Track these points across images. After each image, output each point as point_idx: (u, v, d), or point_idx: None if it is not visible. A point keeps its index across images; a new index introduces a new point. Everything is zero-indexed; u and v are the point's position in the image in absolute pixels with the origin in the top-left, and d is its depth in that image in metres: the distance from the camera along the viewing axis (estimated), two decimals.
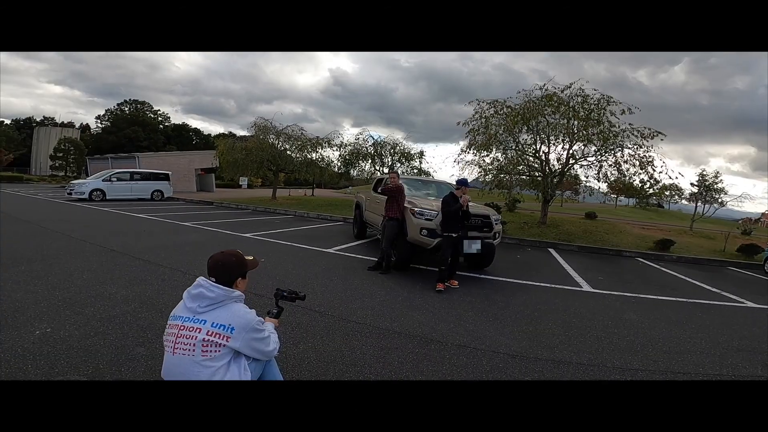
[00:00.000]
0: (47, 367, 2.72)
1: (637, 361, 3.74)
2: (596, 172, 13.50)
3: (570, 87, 12.95)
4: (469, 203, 6.00)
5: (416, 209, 6.46)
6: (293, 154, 22.21)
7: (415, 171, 22.01)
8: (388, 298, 5.03)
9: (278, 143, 21.81)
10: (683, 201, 25.19)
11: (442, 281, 5.64)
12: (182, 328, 1.89)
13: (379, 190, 8.21)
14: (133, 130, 61.22)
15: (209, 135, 74.79)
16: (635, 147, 12.63)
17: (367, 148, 22.58)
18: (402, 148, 22.49)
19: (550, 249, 11.25)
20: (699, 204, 23.53)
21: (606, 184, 14.37)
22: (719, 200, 22.99)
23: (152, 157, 30.84)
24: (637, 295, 6.43)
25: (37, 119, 66.69)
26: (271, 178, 22.76)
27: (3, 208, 11.91)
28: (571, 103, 12.75)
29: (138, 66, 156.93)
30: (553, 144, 13.89)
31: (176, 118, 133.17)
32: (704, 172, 23.30)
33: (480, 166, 14.63)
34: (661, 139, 12.73)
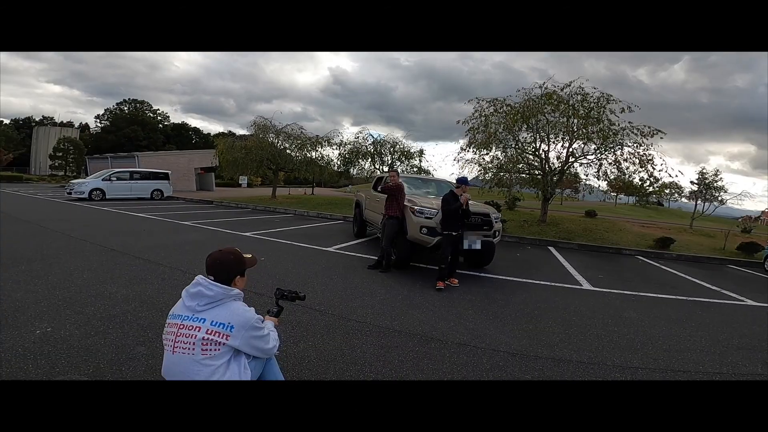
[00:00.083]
0: (48, 366, 2.73)
1: (637, 359, 3.75)
2: (596, 170, 13.52)
3: (570, 85, 12.93)
4: (469, 202, 6.01)
5: (416, 208, 6.46)
6: (293, 153, 22.17)
7: (415, 169, 21.97)
8: (388, 297, 5.03)
9: (278, 142, 21.78)
10: (683, 199, 25.17)
11: (442, 279, 5.64)
12: (182, 326, 1.89)
13: (379, 189, 8.21)
14: (133, 129, 61.13)
15: (209, 134, 74.86)
16: (635, 145, 12.63)
17: (366, 146, 22.54)
18: (402, 146, 22.47)
19: (550, 247, 11.25)
20: (699, 202, 23.50)
21: (606, 182, 14.37)
22: (719, 198, 22.96)
23: (152, 157, 30.77)
24: (637, 293, 6.43)
25: (37, 119, 66.69)
26: (271, 177, 22.73)
27: (3, 208, 11.91)
28: (570, 102, 12.73)
29: (138, 65, 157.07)
30: (553, 142, 13.88)
31: (176, 118, 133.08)
32: (704, 170, 23.23)
33: (480, 165, 14.64)
34: (661, 138, 12.73)
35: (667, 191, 15.55)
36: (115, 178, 18.97)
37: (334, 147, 22.59)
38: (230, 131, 71.52)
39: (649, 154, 12.55)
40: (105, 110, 70.67)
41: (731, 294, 7.06)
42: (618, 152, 12.94)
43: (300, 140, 21.71)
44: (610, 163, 13.15)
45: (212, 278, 1.99)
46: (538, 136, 13.89)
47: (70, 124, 66.42)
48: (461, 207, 5.77)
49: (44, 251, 6.13)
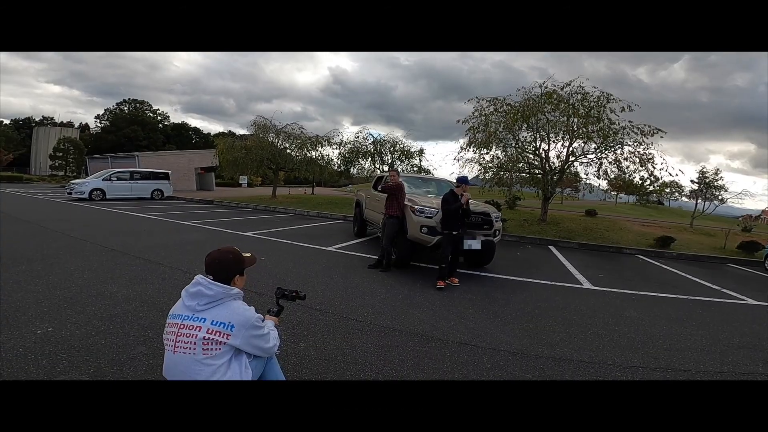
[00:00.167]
0: (49, 366, 2.73)
1: (637, 358, 3.75)
2: (596, 169, 13.49)
3: (570, 84, 12.92)
4: (470, 201, 6.00)
5: (416, 207, 6.46)
6: (293, 153, 22.17)
7: (415, 169, 21.97)
8: (388, 296, 5.03)
9: (278, 142, 21.78)
10: (683, 198, 25.17)
11: (442, 279, 5.64)
12: (182, 326, 1.89)
13: (379, 188, 8.21)
14: (133, 129, 61.15)
15: (209, 134, 74.90)
16: (635, 144, 12.62)
17: (366, 146, 22.53)
18: (402, 146, 22.45)
19: (550, 246, 11.25)
20: (699, 201, 23.51)
21: (606, 181, 14.35)
22: (719, 197, 22.96)
23: (152, 157, 30.77)
24: (637, 292, 6.43)
25: (37, 119, 66.73)
26: (271, 177, 22.73)
27: (3, 208, 11.91)
28: (570, 101, 12.72)
29: (137, 65, 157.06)
30: (553, 141, 13.87)
31: (176, 118, 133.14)
32: (704, 169, 23.26)
33: (480, 164, 14.63)
34: (661, 137, 12.72)
35: (667, 190, 15.53)
36: (115, 178, 18.97)
37: (334, 146, 22.62)
38: (230, 131, 71.66)
39: (650, 153, 12.55)
40: (105, 110, 70.81)
41: (732, 293, 7.06)
42: (618, 151, 12.94)
43: (300, 140, 21.71)
44: (610, 162, 13.15)
45: (211, 278, 1.99)
46: (538, 136, 13.88)
47: (70, 124, 66.44)
48: (461, 207, 5.76)
49: (45, 251, 6.13)
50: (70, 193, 17.58)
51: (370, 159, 22.49)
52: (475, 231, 6.54)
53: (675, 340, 4.33)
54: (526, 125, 13.44)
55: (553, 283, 6.58)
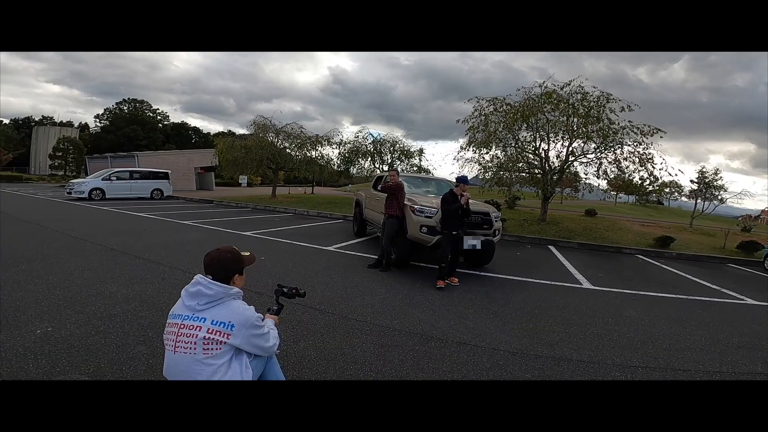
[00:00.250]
0: (48, 366, 2.73)
1: (637, 358, 3.75)
2: (596, 169, 13.51)
3: (569, 84, 12.93)
4: (470, 201, 6.00)
5: (416, 207, 6.46)
6: (293, 152, 22.16)
7: (415, 168, 21.97)
8: (388, 296, 5.03)
9: (278, 141, 21.76)
10: (683, 198, 25.19)
11: (442, 278, 5.64)
12: (182, 326, 1.89)
13: (378, 188, 8.21)
14: (132, 129, 61.12)
15: (209, 133, 74.92)
16: (635, 144, 12.64)
17: (366, 145, 22.53)
18: (402, 145, 22.45)
19: (550, 246, 11.25)
20: (699, 201, 23.53)
21: (606, 181, 14.36)
22: (719, 197, 22.99)
23: (151, 156, 30.75)
24: (637, 292, 6.43)
25: (36, 119, 66.65)
26: (271, 177, 22.72)
27: (3, 208, 11.91)
28: (570, 101, 12.73)
29: (137, 65, 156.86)
30: (553, 141, 13.89)
31: (175, 117, 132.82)
32: (704, 169, 23.29)
33: (480, 164, 14.65)
34: (661, 137, 12.74)
35: (667, 190, 15.53)
36: (114, 178, 18.97)
37: (334, 146, 22.61)
38: (230, 131, 71.62)
39: (649, 153, 12.56)
40: (104, 110, 70.77)
41: (731, 293, 7.06)
42: (618, 151, 12.96)
43: (300, 139, 21.71)
44: (610, 162, 13.16)
45: (211, 277, 1.99)
46: (537, 135, 13.90)
47: (69, 124, 66.45)
48: (461, 207, 5.76)
49: (44, 251, 6.13)
50: (70, 193, 17.58)
51: (369, 159, 22.49)
52: (475, 231, 6.55)
53: (674, 339, 4.33)
54: (525, 125, 13.45)
55: (553, 282, 6.58)
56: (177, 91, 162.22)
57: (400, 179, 6.84)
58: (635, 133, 12.53)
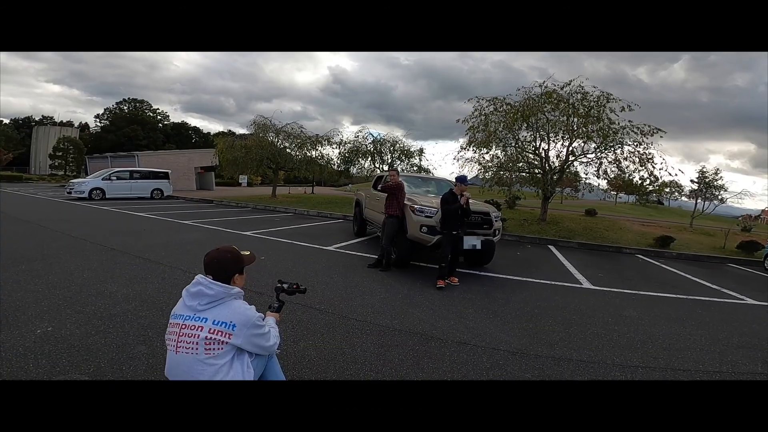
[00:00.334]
0: (49, 366, 2.73)
1: (637, 357, 3.75)
2: (596, 169, 13.52)
3: (569, 84, 12.94)
4: (469, 200, 6.00)
5: (416, 206, 6.46)
6: (293, 152, 22.16)
7: (415, 168, 21.96)
8: (388, 296, 5.03)
9: (278, 141, 21.76)
10: (683, 198, 25.20)
11: (442, 278, 5.64)
12: (183, 326, 1.90)
13: (379, 188, 8.21)
14: (132, 128, 61.12)
15: (209, 133, 74.87)
16: (635, 144, 12.64)
17: (366, 145, 22.51)
18: (402, 145, 22.42)
19: (550, 246, 11.25)
20: (699, 201, 23.54)
21: (606, 181, 14.36)
22: (719, 197, 23.00)
23: (152, 156, 30.74)
24: (637, 291, 6.43)
25: (36, 118, 66.66)
26: (271, 176, 22.72)
27: (3, 208, 11.91)
28: (570, 100, 12.73)
29: (137, 65, 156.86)
30: (553, 141, 13.89)
31: (175, 117, 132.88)
32: (704, 169, 23.30)
33: (480, 164, 14.65)
34: (661, 137, 12.74)
35: (667, 190, 15.55)
36: (115, 178, 18.96)
37: (334, 146, 22.61)
38: (230, 130, 71.57)
39: (649, 153, 12.56)
40: (105, 110, 70.77)
41: (731, 293, 7.06)
42: (618, 151, 12.96)
43: (300, 139, 21.71)
44: (610, 162, 13.16)
45: (211, 277, 1.99)
46: (538, 135, 13.90)
47: (69, 124, 66.49)
48: (460, 207, 5.76)
49: (44, 251, 6.13)
50: (70, 193, 17.57)
51: (369, 158, 22.48)
52: (475, 230, 6.55)
53: (674, 339, 4.33)
54: (525, 125, 13.45)
55: (553, 282, 6.58)
56: (177, 91, 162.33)
57: (400, 179, 6.84)
58: (635, 132, 12.53)
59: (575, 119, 12.75)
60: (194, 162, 31.54)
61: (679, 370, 3.59)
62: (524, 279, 6.66)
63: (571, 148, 13.61)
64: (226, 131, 69.10)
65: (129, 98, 71.63)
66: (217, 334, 1.87)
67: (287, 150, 22.12)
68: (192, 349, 1.85)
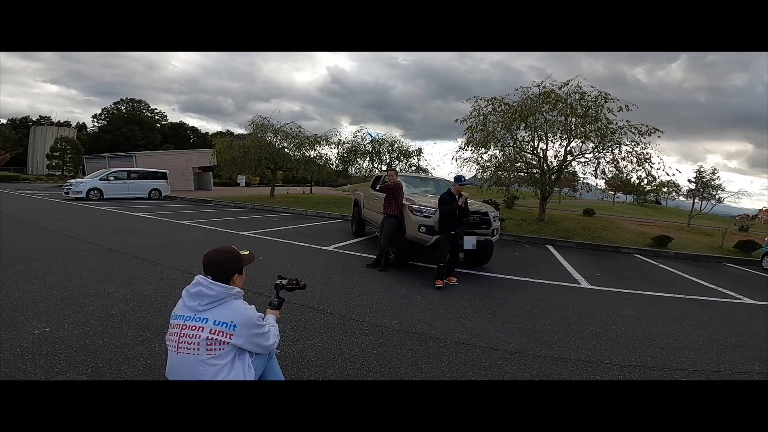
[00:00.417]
0: (46, 366, 2.72)
1: (635, 357, 3.76)
2: (594, 168, 13.54)
3: (567, 84, 12.97)
4: (468, 200, 6.00)
5: (415, 206, 6.46)
6: (291, 152, 22.15)
7: (414, 168, 21.99)
8: (386, 296, 5.03)
9: (276, 141, 21.75)
10: (681, 198, 25.30)
11: (440, 278, 5.64)
12: (184, 327, 1.90)
13: (377, 188, 8.21)
14: (130, 128, 60.99)
15: (207, 133, 74.66)
16: (633, 144, 12.66)
17: (365, 145, 22.54)
18: (400, 145, 22.47)
19: (548, 246, 11.27)
20: (696, 200, 23.63)
21: (604, 180, 14.40)
22: (717, 197, 23.10)
23: (149, 156, 30.68)
24: (635, 291, 6.45)
25: (34, 118, 66.40)
26: (269, 176, 22.71)
27: (0, 208, 11.87)
28: (568, 101, 12.76)
29: (135, 65, 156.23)
30: (551, 141, 13.91)
31: (173, 117, 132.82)
32: (702, 169, 23.41)
33: (478, 164, 14.67)
34: (659, 136, 12.76)
35: (664, 190, 15.59)
36: (112, 178, 18.92)
37: (333, 146, 22.62)
38: (228, 130, 71.19)
39: (647, 153, 12.58)
40: (102, 110, 70.45)
41: (729, 292, 7.08)
42: (616, 151, 12.99)
43: (298, 139, 21.71)
44: (607, 162, 13.19)
45: (210, 278, 1.99)
46: (536, 135, 13.91)
47: (67, 124, 66.30)
48: (458, 208, 5.76)
49: (42, 251, 6.11)
50: (68, 193, 17.53)
51: (368, 158, 22.51)
52: (474, 230, 6.55)
53: (672, 339, 4.35)
54: (524, 125, 13.47)
55: (551, 282, 6.60)
56: (175, 91, 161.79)
57: (398, 179, 6.85)
58: (633, 132, 12.55)
59: (573, 119, 12.78)
60: (192, 162, 31.49)
61: (677, 369, 3.60)
62: (522, 279, 6.67)
63: (569, 148, 13.64)
64: (224, 131, 68.95)
65: (127, 98, 71.48)
66: (218, 335, 1.87)
67: (285, 150, 22.11)
68: (193, 349, 1.86)
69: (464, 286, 5.79)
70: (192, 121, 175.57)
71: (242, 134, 27.76)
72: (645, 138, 12.54)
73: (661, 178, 13.14)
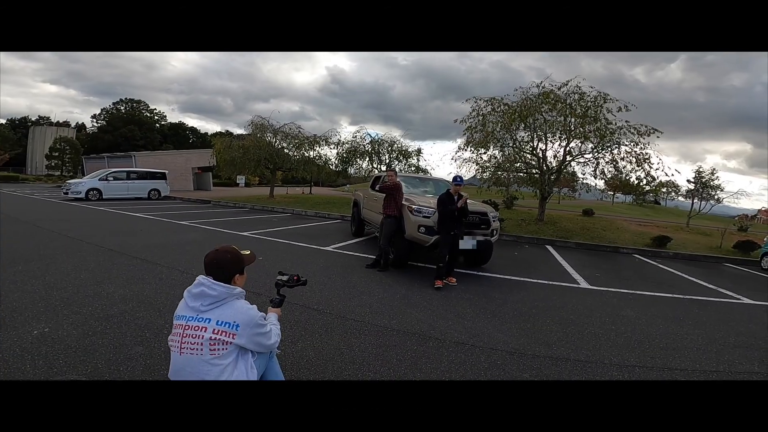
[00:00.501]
0: (45, 367, 2.72)
1: (634, 357, 3.76)
2: (593, 169, 13.54)
3: (567, 84, 12.98)
4: (468, 201, 6.00)
5: (414, 207, 6.46)
6: (291, 153, 22.16)
7: (413, 169, 21.99)
8: (386, 296, 5.03)
9: (275, 141, 21.75)
10: (680, 198, 25.32)
11: (440, 278, 5.64)
12: (186, 327, 1.90)
13: (376, 188, 8.21)
14: (129, 129, 60.90)
15: (206, 134, 74.64)
16: (632, 144, 12.67)
17: (364, 146, 22.55)
18: (400, 145, 22.47)
19: (547, 246, 11.27)
20: (696, 201, 23.65)
21: (603, 181, 14.42)
22: (716, 197, 23.12)
23: (149, 156, 30.64)
24: (634, 291, 6.45)
25: (33, 119, 66.32)
26: (269, 177, 22.72)
27: None
28: (568, 101, 12.76)
29: (134, 65, 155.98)
30: (551, 141, 13.93)
31: (173, 117, 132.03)
32: (701, 169, 23.43)
33: (477, 164, 14.67)
34: (658, 137, 12.77)
35: (664, 190, 15.62)
36: (111, 178, 18.89)
37: (332, 146, 22.63)
38: (228, 131, 71.28)
39: (646, 153, 12.59)
40: (101, 110, 70.33)
41: (728, 292, 7.09)
42: (615, 151, 12.99)
43: (298, 140, 21.71)
44: (607, 162, 13.19)
45: (212, 278, 1.99)
46: (535, 135, 13.92)
47: (66, 124, 66.20)
48: (456, 209, 5.76)
49: (41, 251, 6.11)
50: (67, 193, 17.51)
51: (367, 159, 22.51)
52: (473, 231, 6.55)
53: (671, 339, 4.35)
54: (523, 125, 13.48)
55: (551, 282, 6.60)
56: (174, 91, 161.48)
57: (398, 179, 6.85)
58: (632, 133, 12.57)
59: (572, 119, 12.79)
60: (191, 162, 31.47)
61: (676, 369, 3.60)
62: (522, 279, 6.67)
63: (568, 149, 13.65)
64: (223, 131, 69.06)
65: (126, 98, 71.35)
66: (221, 335, 1.88)
67: (285, 150, 22.12)
68: (197, 349, 1.86)
69: (463, 287, 5.79)
70: (191, 121, 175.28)
71: (242, 134, 27.81)
72: (644, 138, 12.57)
73: (660, 179, 13.18)
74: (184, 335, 1.89)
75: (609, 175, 13.60)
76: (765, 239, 12.26)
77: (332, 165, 23.44)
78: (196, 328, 1.88)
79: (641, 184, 13.63)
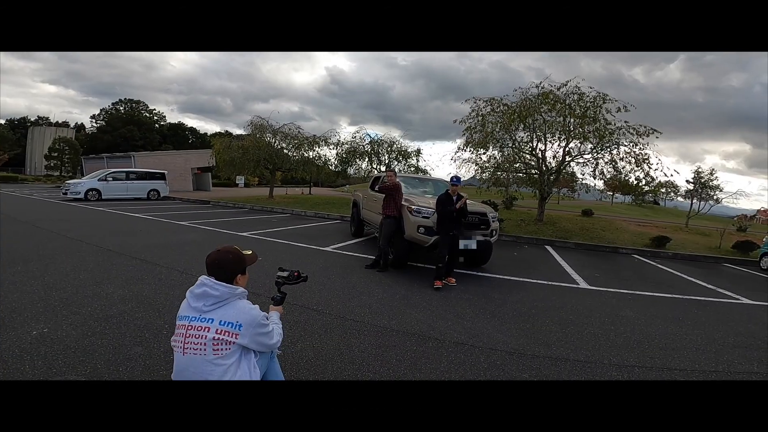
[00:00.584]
0: (45, 367, 2.71)
1: (633, 357, 3.76)
2: (592, 169, 13.55)
3: (566, 85, 13.00)
4: (467, 201, 6.00)
5: (413, 207, 6.46)
6: (290, 153, 22.15)
7: (413, 169, 21.99)
8: (385, 296, 5.03)
9: (275, 142, 21.74)
10: (679, 198, 25.35)
11: (439, 279, 5.65)
12: (189, 327, 1.90)
13: (376, 189, 8.21)
14: (129, 129, 60.85)
15: (205, 134, 74.54)
16: (631, 144, 12.68)
17: (364, 146, 22.54)
18: (399, 146, 22.48)
19: (547, 246, 11.28)
20: (695, 201, 23.67)
21: (602, 181, 14.43)
22: (715, 197, 23.13)
23: (148, 157, 30.60)
24: (633, 291, 6.46)
25: (32, 119, 66.34)
26: (268, 177, 22.69)
27: None
28: (567, 101, 12.78)
29: (134, 65, 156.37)
30: (550, 141, 13.95)
31: (172, 117, 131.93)
32: (700, 170, 23.45)
33: (477, 164, 14.69)
34: (657, 137, 12.79)
35: (663, 190, 15.64)
36: (111, 179, 18.87)
37: (332, 147, 22.62)
38: (227, 131, 71.22)
39: (645, 153, 12.60)
40: (101, 110, 70.28)
41: (727, 292, 7.10)
42: (614, 151, 13.00)
43: (297, 140, 21.71)
44: (606, 163, 13.21)
45: (214, 278, 1.99)
46: (534, 136, 13.93)
47: (65, 124, 66.20)
48: (455, 210, 5.76)
49: (40, 252, 6.10)
50: (66, 194, 17.50)
51: (367, 159, 22.50)
52: (473, 231, 6.56)
53: (671, 339, 4.35)
54: (522, 125, 13.49)
55: (550, 282, 6.60)
56: (174, 92, 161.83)
57: (397, 180, 6.85)
58: (631, 133, 12.58)
59: (572, 120, 12.80)
60: (191, 163, 31.44)
61: (675, 369, 3.60)
62: (521, 279, 6.67)
63: (567, 149, 13.67)
64: (223, 132, 68.91)
65: (125, 98, 71.29)
66: (224, 335, 1.88)
67: (284, 151, 22.10)
68: (200, 350, 1.86)
69: (463, 287, 5.79)
70: (191, 121, 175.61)
71: (241, 135, 27.73)
72: (643, 138, 12.58)
73: (659, 179, 13.21)
74: (187, 335, 1.89)
75: (608, 176, 13.61)
76: (764, 239, 12.27)
77: (332, 165, 23.44)
78: (199, 329, 1.89)
79: (640, 184, 13.65)
